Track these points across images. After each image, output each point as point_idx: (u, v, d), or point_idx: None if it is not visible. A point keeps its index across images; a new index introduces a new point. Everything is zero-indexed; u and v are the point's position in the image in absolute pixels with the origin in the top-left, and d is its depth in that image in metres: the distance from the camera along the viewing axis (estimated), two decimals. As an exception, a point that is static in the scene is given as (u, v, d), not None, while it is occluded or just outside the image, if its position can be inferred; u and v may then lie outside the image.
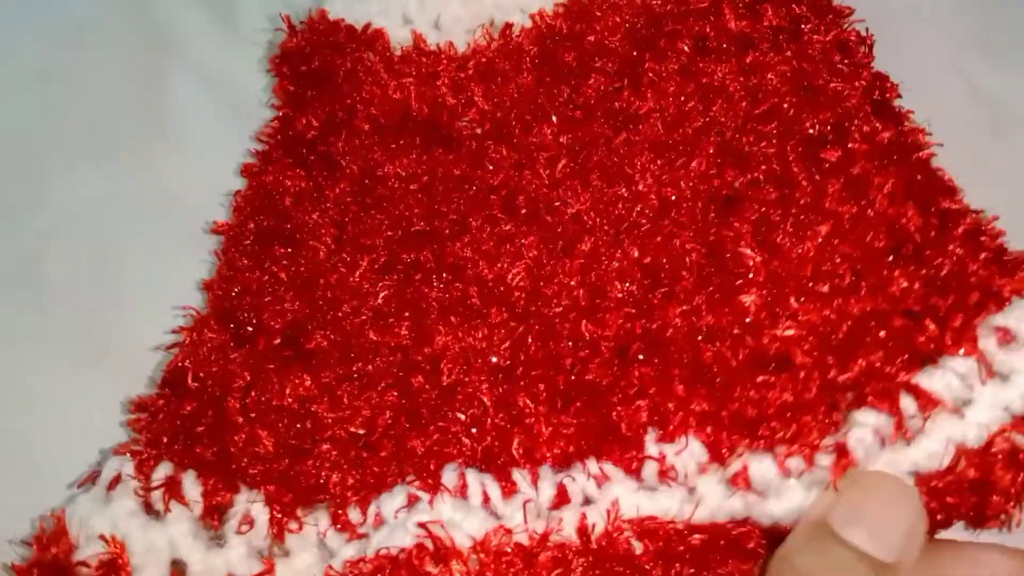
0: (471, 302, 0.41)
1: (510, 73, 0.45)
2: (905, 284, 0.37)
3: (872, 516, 0.34)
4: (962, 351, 0.36)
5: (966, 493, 0.35)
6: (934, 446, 0.35)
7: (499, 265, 0.42)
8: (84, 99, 0.53)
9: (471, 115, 0.45)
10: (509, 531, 0.36)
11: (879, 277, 0.37)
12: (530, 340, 0.40)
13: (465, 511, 0.36)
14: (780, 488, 0.35)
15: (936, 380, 0.35)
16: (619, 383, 0.39)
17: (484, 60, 0.46)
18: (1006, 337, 0.36)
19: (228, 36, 0.54)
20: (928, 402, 0.35)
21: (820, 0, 0.44)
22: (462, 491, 0.37)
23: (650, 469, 0.37)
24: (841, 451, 0.35)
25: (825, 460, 0.35)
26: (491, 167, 0.44)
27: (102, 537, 0.37)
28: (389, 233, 0.43)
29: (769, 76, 0.42)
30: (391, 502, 0.37)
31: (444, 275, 0.42)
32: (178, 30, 0.55)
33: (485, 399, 0.39)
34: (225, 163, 0.50)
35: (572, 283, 0.41)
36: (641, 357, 0.39)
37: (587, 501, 0.37)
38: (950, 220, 0.38)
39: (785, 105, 0.42)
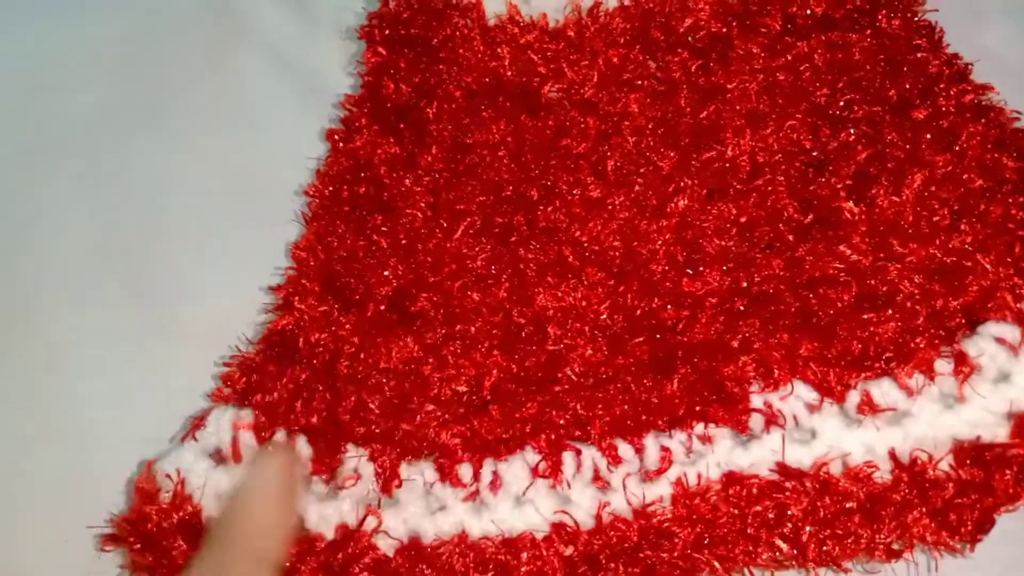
0: (567, 262, 0.42)
1: (599, 47, 0.47)
2: (1009, 214, 0.39)
3: None
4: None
5: None
6: None
7: (591, 226, 0.43)
8: (156, 76, 0.54)
9: (560, 85, 0.46)
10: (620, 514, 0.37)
11: (979, 212, 0.39)
12: (630, 298, 0.41)
13: (580, 488, 0.38)
14: (909, 407, 0.36)
15: None
16: (724, 340, 0.40)
17: (574, 33, 0.47)
18: None
19: (297, 14, 0.55)
20: None
21: None
22: (577, 468, 0.38)
23: (756, 421, 0.38)
24: (960, 358, 0.36)
25: (946, 368, 0.36)
26: (578, 135, 0.45)
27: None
28: (481, 198, 0.44)
29: (852, 51, 0.44)
30: (511, 470, 0.38)
31: (538, 238, 0.43)
32: (247, 7, 0.55)
33: (593, 367, 0.40)
34: (295, 138, 0.51)
35: (668, 240, 0.42)
36: (744, 311, 0.40)
37: (691, 462, 0.38)
38: None
39: (870, 76, 0.43)
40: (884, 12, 0.45)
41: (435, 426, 0.39)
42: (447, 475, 0.38)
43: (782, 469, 0.37)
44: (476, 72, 0.46)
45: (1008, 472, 0.35)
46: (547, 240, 0.43)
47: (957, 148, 0.41)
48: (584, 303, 0.41)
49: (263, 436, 0.39)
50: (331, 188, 0.45)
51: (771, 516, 0.36)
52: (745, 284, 0.40)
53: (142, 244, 0.50)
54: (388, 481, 0.39)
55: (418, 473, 0.39)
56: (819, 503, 0.36)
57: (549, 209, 0.43)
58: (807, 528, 0.36)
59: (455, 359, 0.40)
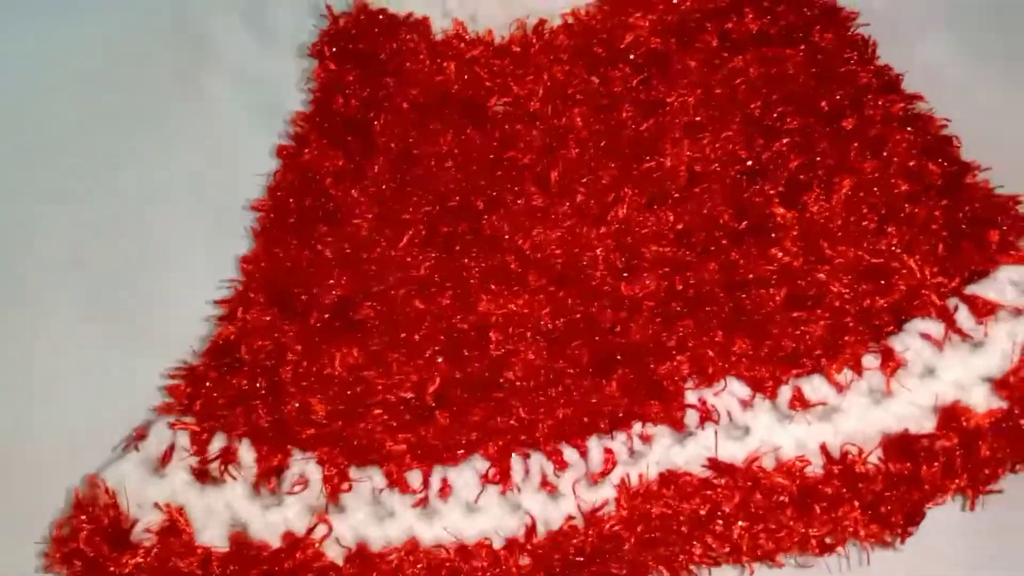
0: (510, 269, 0.43)
1: (544, 63, 0.48)
2: (932, 216, 0.40)
3: None
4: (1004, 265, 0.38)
5: None
6: (1003, 347, 0.37)
7: (535, 234, 0.44)
8: (121, 97, 0.55)
9: (506, 99, 0.48)
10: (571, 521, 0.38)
11: (906, 215, 0.40)
12: (570, 303, 0.42)
13: (529, 493, 0.39)
14: (839, 402, 0.37)
15: (989, 289, 0.38)
16: (660, 340, 0.40)
17: (519, 50, 0.48)
18: None
19: (259, 36, 0.56)
20: (984, 307, 0.37)
21: (829, 5, 0.47)
22: (525, 473, 0.39)
23: (692, 418, 0.39)
24: (887, 354, 0.37)
25: (874, 363, 0.37)
26: (523, 147, 0.46)
27: (157, 505, 0.38)
28: (427, 208, 0.45)
29: (786, 65, 0.45)
30: (461, 477, 0.39)
31: (482, 246, 0.44)
32: (211, 31, 0.57)
33: (534, 371, 0.41)
34: (255, 155, 0.51)
35: (608, 246, 0.43)
36: (680, 312, 0.41)
37: (633, 462, 0.39)
38: (967, 171, 0.41)
39: (802, 89, 0.45)
40: (818, 28, 0.47)
41: (381, 432, 0.39)
42: (396, 481, 0.39)
43: (714, 465, 0.37)
44: (423, 86, 0.47)
45: (935, 464, 0.36)
46: (491, 248, 0.44)
47: (884, 155, 0.42)
48: (526, 309, 0.42)
49: (202, 441, 0.39)
50: (279, 202, 0.46)
51: (703, 513, 0.36)
52: (681, 287, 0.41)
53: (105, 258, 0.51)
54: (337, 486, 0.39)
55: (366, 478, 0.39)
56: (751, 498, 0.36)
57: (493, 218, 0.44)
58: (739, 523, 0.36)
59: (399, 366, 0.41)
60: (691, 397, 0.39)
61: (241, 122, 0.54)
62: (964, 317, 0.38)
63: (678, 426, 0.39)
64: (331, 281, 0.43)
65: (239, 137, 0.53)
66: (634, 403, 0.39)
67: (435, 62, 0.48)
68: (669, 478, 0.38)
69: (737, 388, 0.39)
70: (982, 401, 0.37)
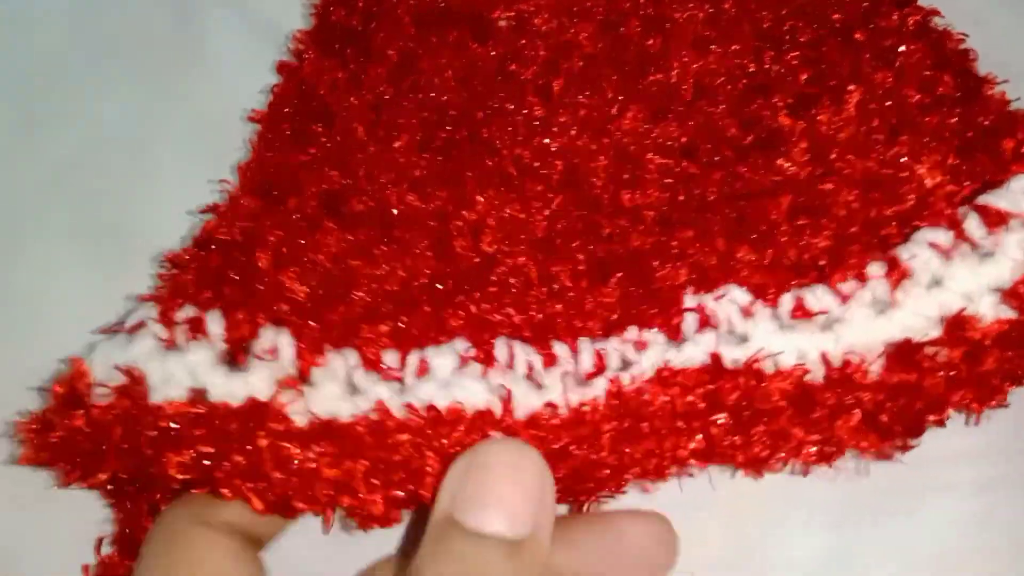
0: (508, 174, 0.42)
1: (549, -24, 0.47)
2: (945, 124, 0.39)
3: (494, 493, 0.31)
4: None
5: None
6: (1014, 256, 0.36)
7: (534, 142, 0.43)
8: (118, 22, 0.54)
9: (509, 14, 0.46)
10: (554, 405, 0.36)
11: (917, 125, 0.39)
12: (569, 210, 0.41)
13: (512, 381, 0.37)
14: (842, 312, 0.36)
15: (1001, 198, 0.37)
16: (660, 247, 0.39)
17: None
18: None
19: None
20: (995, 217, 0.36)
21: None
22: (510, 362, 0.37)
23: (690, 324, 0.38)
24: (892, 264, 0.36)
25: (879, 272, 0.36)
26: (526, 60, 0.45)
27: (119, 368, 0.36)
28: (425, 114, 0.44)
29: None
30: (440, 356, 0.37)
31: (480, 152, 0.43)
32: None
33: (527, 270, 0.39)
34: (259, 79, 0.49)
35: (610, 156, 0.42)
36: (679, 219, 0.40)
37: (626, 367, 0.38)
38: (983, 84, 0.40)
39: (814, 1, 0.44)
40: None
41: (360, 316, 0.38)
42: (372, 364, 0.37)
43: (715, 361, 0.36)
44: None
45: (938, 375, 0.35)
46: (488, 154, 0.43)
47: (897, 65, 0.41)
48: (522, 214, 0.41)
49: (170, 312, 0.38)
50: (276, 112, 0.45)
51: (703, 406, 0.35)
52: (683, 198, 0.40)
53: (97, 181, 0.50)
54: (309, 359, 0.37)
55: (341, 359, 0.38)
56: (750, 397, 0.35)
57: (493, 127, 0.43)
58: (737, 422, 0.35)
59: (386, 259, 0.40)
60: (690, 302, 0.38)
61: (241, 41, 0.53)
62: (974, 226, 0.37)
63: (675, 332, 0.38)
64: (320, 175, 0.42)
65: (239, 57, 0.52)
66: (630, 308, 0.38)
67: None
68: (666, 372, 0.36)
69: (738, 295, 0.38)
70: (990, 311, 0.35)
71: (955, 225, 0.37)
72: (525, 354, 0.37)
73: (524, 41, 0.46)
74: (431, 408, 0.35)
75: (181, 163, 0.50)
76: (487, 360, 0.37)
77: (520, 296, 0.39)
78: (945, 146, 0.39)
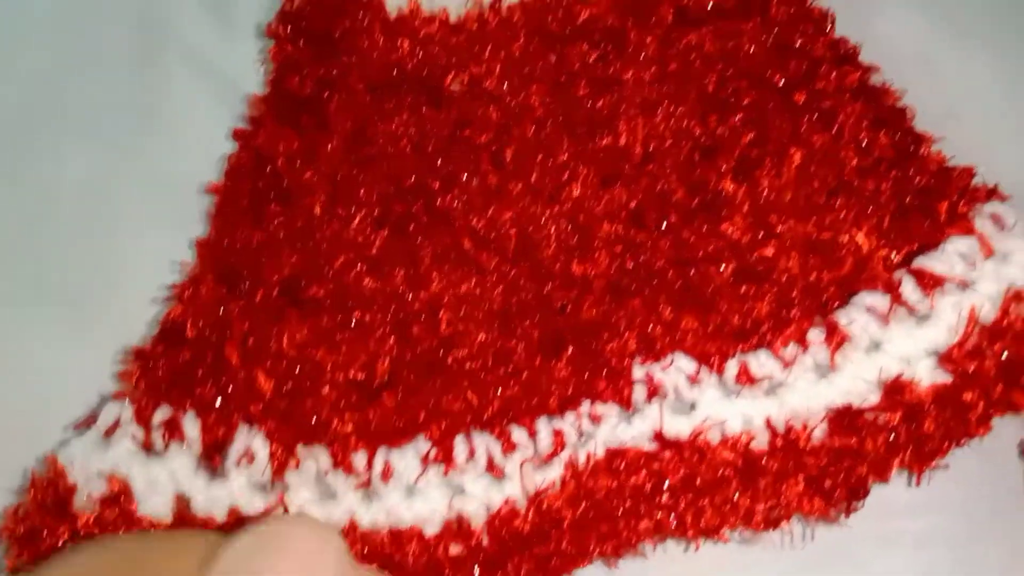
0: (463, 249, 0.43)
1: (500, 40, 0.48)
2: (881, 188, 0.40)
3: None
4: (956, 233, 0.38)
5: (991, 359, 0.36)
6: (949, 320, 0.37)
7: (489, 213, 0.43)
8: (79, 80, 0.54)
9: (462, 77, 0.47)
10: (512, 503, 0.38)
11: (855, 188, 0.40)
12: (522, 282, 0.42)
13: (474, 476, 0.38)
14: (784, 377, 0.37)
15: (937, 261, 0.38)
16: (609, 318, 0.40)
17: (475, 27, 0.48)
18: (999, 221, 0.38)
19: (219, 16, 0.56)
20: (931, 280, 0.37)
21: None
22: (470, 455, 0.39)
23: (640, 394, 0.39)
24: (832, 328, 0.37)
25: (819, 337, 0.37)
26: (479, 125, 0.46)
27: (102, 474, 0.38)
28: (381, 188, 0.45)
29: (742, 40, 0.45)
30: (403, 459, 0.39)
31: (436, 226, 0.43)
32: (171, 13, 0.56)
33: (484, 351, 0.40)
34: (216, 143, 0.50)
35: (561, 226, 0.43)
36: (630, 290, 0.41)
37: (582, 437, 0.39)
38: (920, 143, 0.41)
39: (757, 63, 0.44)
40: (775, 1, 0.46)
41: (328, 411, 0.39)
42: (340, 462, 0.39)
43: (659, 438, 0.37)
44: (378, 65, 0.47)
45: (879, 438, 0.36)
46: (444, 228, 0.43)
47: (835, 128, 0.42)
48: (478, 289, 0.42)
49: (146, 413, 0.39)
50: (233, 184, 0.45)
51: (648, 487, 0.36)
52: (631, 265, 0.41)
53: (55, 244, 0.50)
54: (283, 462, 0.39)
55: (312, 458, 0.39)
56: (697, 472, 0.36)
57: (448, 197, 0.44)
58: (684, 497, 0.36)
59: (348, 345, 0.41)
60: (638, 372, 0.39)
61: (200, 104, 0.53)
62: (910, 290, 0.38)
63: (626, 403, 0.39)
64: (279, 260, 0.42)
65: (198, 120, 0.52)
66: (582, 382, 0.39)
67: (390, 40, 0.47)
68: (615, 454, 0.37)
69: (684, 363, 0.39)
70: (927, 375, 0.37)
71: (892, 289, 0.38)
72: (484, 444, 0.39)
73: (477, 105, 0.46)
74: (394, 532, 0.37)
75: (141, 225, 0.50)
76: (447, 459, 0.38)
77: (478, 379, 0.39)
78: (881, 210, 0.40)
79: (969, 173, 0.41)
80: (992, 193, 0.39)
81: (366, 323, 0.41)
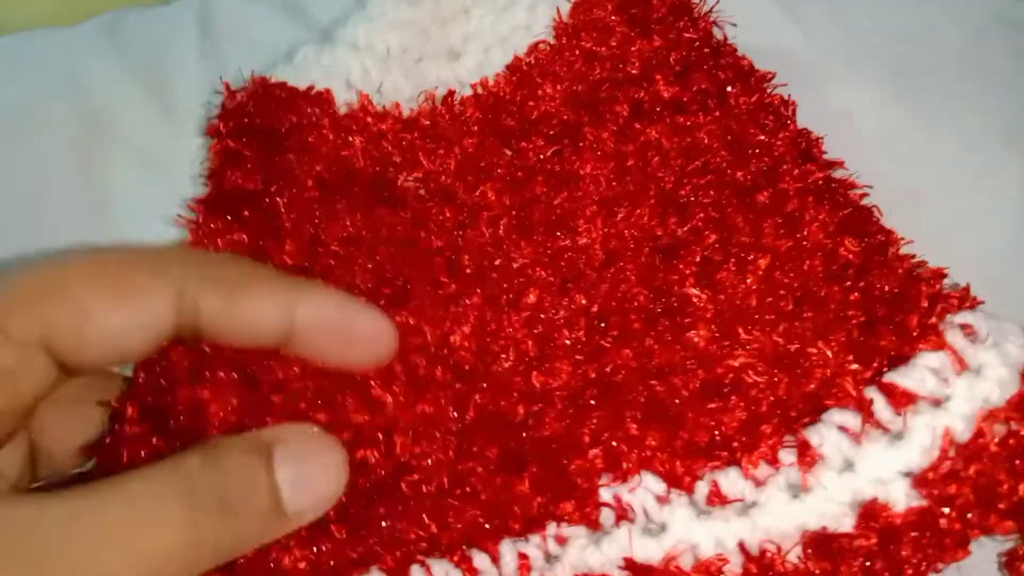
0: (416, 367, 0.40)
1: (453, 136, 0.46)
2: (849, 299, 0.39)
3: None
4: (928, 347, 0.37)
5: (967, 482, 0.35)
6: (922, 440, 0.35)
7: (444, 327, 0.41)
8: (20, 178, 0.53)
9: (416, 174, 0.46)
10: None
11: (821, 298, 0.39)
12: (479, 398, 0.40)
13: None
14: (756, 496, 0.36)
15: (908, 377, 0.36)
16: (573, 434, 0.39)
17: (428, 122, 0.47)
18: (971, 333, 0.37)
19: (163, 115, 0.54)
20: (903, 398, 0.36)
21: (743, 68, 0.47)
22: None
23: (608, 516, 0.37)
24: (804, 448, 0.36)
25: (790, 457, 0.36)
26: (434, 228, 0.44)
27: None
28: None
29: (700, 135, 0.44)
30: None
31: None
32: (113, 109, 0.54)
33: (440, 474, 0.38)
34: (155, 234, 0.49)
35: (519, 336, 0.41)
36: (594, 403, 0.39)
37: (549, 560, 0.37)
38: (887, 246, 0.40)
39: (717, 159, 0.44)
40: (734, 92, 0.46)
41: (279, 550, 0.37)
42: None
43: (630, 565, 0.35)
44: (327, 161, 0.45)
45: (855, 563, 0.35)
46: (398, 346, 0.41)
47: (800, 233, 0.41)
48: (432, 408, 0.39)
49: None
50: None
51: None
52: (594, 375, 0.40)
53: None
54: None
55: None
56: None
57: (402, 309, 0.41)
58: None
59: None
60: (606, 494, 0.37)
61: (141, 200, 0.51)
62: (882, 407, 0.36)
63: (593, 525, 0.37)
64: (222, 394, 0.38)
65: (138, 216, 0.51)
66: (547, 502, 0.37)
67: (340, 136, 0.46)
68: None
69: (652, 483, 0.37)
70: (902, 497, 0.35)
71: (863, 407, 0.37)
72: (444, 571, 0.36)
73: (431, 204, 0.45)
74: None
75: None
76: None
77: (435, 504, 0.37)
78: (849, 321, 0.39)
79: (939, 275, 0.40)
80: (964, 300, 0.38)
81: None
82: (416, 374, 0.40)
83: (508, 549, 0.37)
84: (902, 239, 0.41)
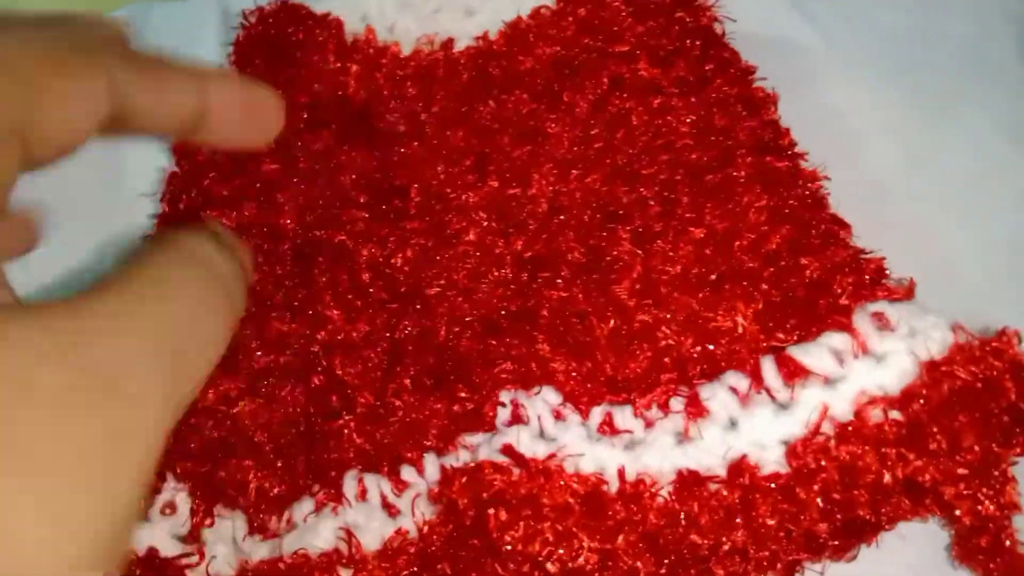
0: (360, 283, 0.44)
1: (442, 79, 0.50)
2: (769, 278, 0.41)
3: None
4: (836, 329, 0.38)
5: (834, 460, 0.36)
6: (803, 414, 0.37)
7: (387, 248, 0.45)
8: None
9: (398, 109, 0.49)
10: (405, 533, 0.38)
11: (741, 274, 0.41)
12: (406, 321, 0.43)
13: (367, 512, 0.39)
14: (644, 436, 0.38)
15: (807, 354, 0.38)
16: (487, 349, 0.42)
17: (423, 64, 0.50)
18: (882, 322, 0.38)
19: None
20: (797, 371, 0.38)
21: (728, 58, 0.49)
22: (362, 495, 0.39)
23: (502, 416, 0.40)
24: (693, 398, 0.38)
25: (680, 406, 0.38)
26: (397, 164, 0.48)
27: None
28: (290, 222, 0.46)
29: (669, 118, 0.47)
30: (301, 509, 0.40)
31: (329, 262, 0.45)
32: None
33: (367, 392, 0.42)
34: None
35: (453, 266, 0.44)
36: (509, 327, 0.42)
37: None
38: (830, 235, 0.42)
39: (680, 143, 0.46)
40: (717, 83, 0.48)
41: (243, 476, 0.40)
42: (254, 528, 0.39)
43: (507, 450, 0.38)
44: (323, 81, 0.49)
45: (716, 514, 0.36)
46: (340, 262, 0.45)
47: (739, 215, 0.43)
48: (367, 327, 0.43)
49: None
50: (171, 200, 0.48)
51: (489, 494, 0.37)
52: (515, 309, 0.43)
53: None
54: (200, 520, 0.40)
55: (228, 522, 0.40)
56: (540, 496, 0.37)
57: (350, 227, 0.46)
58: (525, 513, 0.36)
59: (267, 401, 0.42)
60: (504, 396, 0.40)
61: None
62: (771, 376, 0.38)
63: (488, 425, 0.40)
64: None
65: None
66: (459, 415, 0.40)
67: (340, 61, 0.49)
68: (473, 469, 0.38)
69: (551, 396, 0.40)
70: (772, 464, 0.37)
71: (756, 374, 0.39)
72: (376, 484, 0.39)
73: (404, 142, 0.48)
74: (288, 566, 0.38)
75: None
76: (336, 498, 0.39)
77: (365, 419, 0.41)
78: (764, 299, 0.40)
79: (879, 267, 0.41)
80: (894, 291, 0.40)
81: (282, 369, 0.42)
82: (358, 289, 0.43)
83: (431, 461, 0.40)
84: (849, 228, 0.43)
